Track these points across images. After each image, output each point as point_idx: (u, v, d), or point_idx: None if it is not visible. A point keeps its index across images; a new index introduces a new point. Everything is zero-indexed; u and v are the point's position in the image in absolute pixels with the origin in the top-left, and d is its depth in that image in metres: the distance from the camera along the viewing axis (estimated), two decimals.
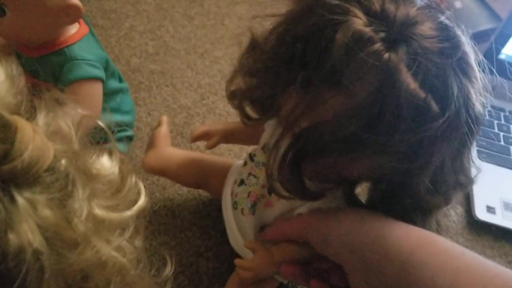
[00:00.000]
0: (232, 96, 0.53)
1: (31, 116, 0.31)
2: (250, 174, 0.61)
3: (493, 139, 0.93)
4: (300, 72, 0.42)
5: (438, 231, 0.49)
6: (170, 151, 0.74)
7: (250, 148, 0.70)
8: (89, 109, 0.61)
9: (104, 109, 0.65)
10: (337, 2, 0.41)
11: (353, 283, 0.47)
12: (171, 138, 0.84)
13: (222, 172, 0.69)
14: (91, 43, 0.66)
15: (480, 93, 0.41)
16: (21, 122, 0.28)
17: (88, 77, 0.62)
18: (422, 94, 0.38)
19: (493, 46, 0.94)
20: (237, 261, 0.56)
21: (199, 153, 0.78)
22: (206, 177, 0.71)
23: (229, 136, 0.70)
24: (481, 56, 0.43)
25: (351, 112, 0.39)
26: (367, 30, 0.39)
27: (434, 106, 0.38)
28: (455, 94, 0.39)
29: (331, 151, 0.41)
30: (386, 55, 0.38)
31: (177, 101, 0.90)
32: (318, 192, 0.48)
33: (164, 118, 0.81)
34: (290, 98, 0.44)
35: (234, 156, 0.84)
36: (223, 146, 0.84)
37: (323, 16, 0.41)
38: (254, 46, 0.49)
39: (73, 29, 0.64)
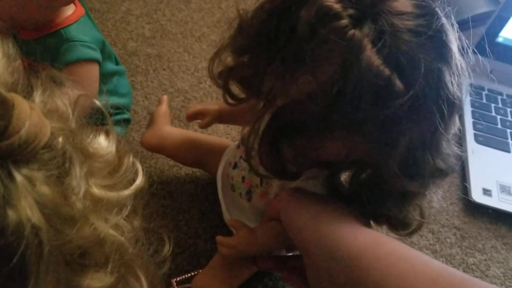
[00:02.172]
0: (218, 75, 0.52)
1: (27, 94, 0.31)
2: (241, 157, 0.61)
3: (490, 123, 0.94)
4: (277, 50, 0.42)
5: (420, 221, 0.49)
6: (168, 130, 0.74)
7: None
8: (86, 91, 0.61)
9: (101, 91, 0.65)
10: None
11: (308, 278, 0.47)
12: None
13: (219, 151, 0.70)
14: (87, 25, 0.65)
15: (456, 74, 0.40)
16: (18, 99, 0.28)
17: (85, 58, 0.61)
18: (386, 72, 0.37)
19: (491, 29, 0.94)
20: (218, 237, 0.57)
21: (196, 132, 0.78)
22: (203, 156, 0.72)
23: (224, 116, 0.70)
24: (464, 39, 0.42)
25: (316, 91, 0.38)
26: (336, 6, 0.38)
27: (398, 84, 0.37)
28: (422, 72, 0.37)
29: (303, 130, 0.42)
30: (351, 32, 0.37)
31: (174, 84, 0.90)
32: (295, 171, 0.48)
33: (165, 97, 0.81)
34: (271, 76, 0.44)
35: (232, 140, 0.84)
36: (220, 130, 0.84)
37: None
38: (241, 26, 0.49)
39: (69, 11, 0.63)
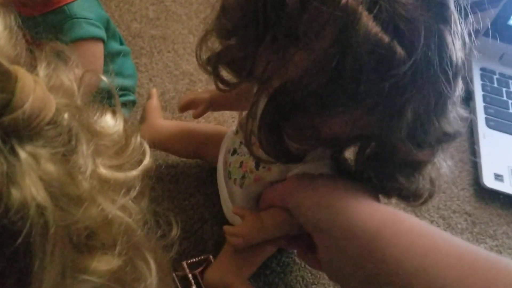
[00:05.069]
0: (206, 61, 0.50)
1: (31, 68, 0.30)
2: (241, 143, 0.60)
3: (502, 107, 0.92)
4: (267, 29, 0.40)
5: (431, 190, 0.47)
6: (161, 123, 0.73)
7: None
8: None
9: (106, 72, 0.63)
10: None
11: (320, 258, 0.46)
12: (173, 105, 0.83)
13: (216, 140, 0.68)
14: (91, 2, 0.64)
15: (457, 34, 0.38)
16: (21, 72, 0.26)
17: (89, 36, 0.60)
18: (385, 39, 0.35)
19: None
20: (226, 227, 0.56)
21: (191, 122, 0.77)
22: (200, 146, 0.70)
23: (216, 103, 0.68)
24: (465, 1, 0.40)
25: (314, 67, 0.37)
26: None
27: (399, 51, 0.35)
28: (423, 36, 0.36)
29: (304, 110, 0.40)
30: (344, 0, 0.35)
31: (179, 67, 0.88)
32: (299, 153, 0.46)
33: (154, 91, 0.79)
34: (262, 57, 0.42)
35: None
36: (214, 118, 0.83)
37: None
38: (224, 6, 0.47)
39: None
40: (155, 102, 0.77)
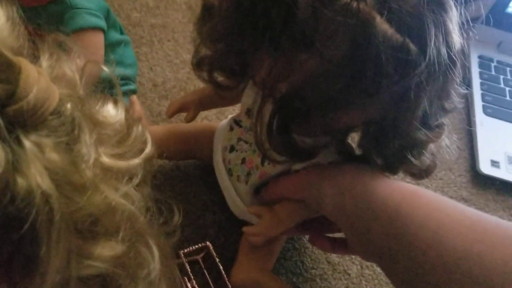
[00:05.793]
0: (199, 68, 0.50)
1: (34, 59, 0.30)
2: (240, 139, 0.60)
3: (499, 94, 0.93)
4: (265, 33, 0.40)
5: (433, 163, 0.48)
6: (148, 129, 0.72)
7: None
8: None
9: (106, 61, 0.63)
10: None
11: (350, 246, 0.48)
12: (174, 94, 0.83)
13: (206, 136, 0.68)
14: None
15: (454, 19, 0.39)
16: (25, 63, 0.27)
17: (89, 26, 0.60)
18: (400, 38, 0.36)
19: None
20: (245, 228, 0.56)
21: (177, 124, 0.76)
22: (192, 147, 0.70)
23: (205, 103, 0.67)
24: None
25: (329, 73, 0.37)
26: None
27: (414, 49, 0.36)
28: (433, 31, 0.36)
29: (316, 113, 0.40)
30: (356, 7, 0.35)
31: (179, 56, 0.89)
32: (312, 150, 0.47)
33: (134, 98, 0.77)
34: (263, 62, 0.42)
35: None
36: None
37: None
38: (209, 10, 0.46)
39: None
40: (137, 109, 0.75)
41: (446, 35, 0.38)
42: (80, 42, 0.60)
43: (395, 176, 0.48)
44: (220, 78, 0.50)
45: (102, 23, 0.62)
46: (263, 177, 0.56)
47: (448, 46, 0.38)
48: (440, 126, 0.44)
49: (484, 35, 0.98)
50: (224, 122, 0.67)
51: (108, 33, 0.66)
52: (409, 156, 0.45)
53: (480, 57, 0.97)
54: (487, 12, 0.95)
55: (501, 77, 0.96)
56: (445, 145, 0.47)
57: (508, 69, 0.97)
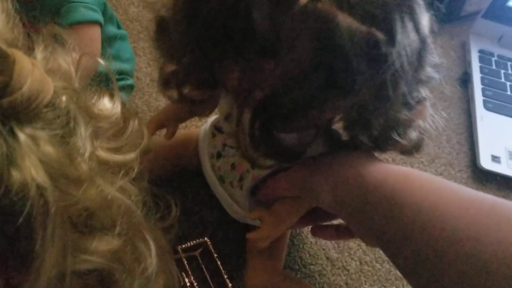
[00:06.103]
0: (168, 86, 0.48)
1: (28, 51, 0.30)
2: (225, 145, 0.59)
3: (500, 89, 0.92)
4: (227, 45, 0.38)
5: (420, 137, 0.47)
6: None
7: None
8: None
9: (103, 56, 0.63)
10: None
11: (356, 234, 0.48)
12: None
13: (189, 145, 0.67)
14: None
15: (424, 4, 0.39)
16: (19, 55, 0.27)
17: (86, 20, 0.60)
18: (365, 29, 0.35)
19: None
20: (249, 235, 0.56)
21: (155, 137, 0.71)
22: (176, 158, 0.69)
23: (182, 116, 0.64)
24: None
25: (300, 78, 0.36)
26: None
27: (381, 37, 0.35)
28: (399, 15, 0.36)
29: (295, 115, 0.40)
30: (313, 8, 0.34)
31: None
32: (299, 149, 0.46)
33: None
34: (232, 71, 0.41)
35: None
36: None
37: None
38: (162, 25, 0.44)
39: None
40: None
41: (413, 16, 0.37)
42: (76, 36, 0.58)
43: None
44: (191, 93, 0.48)
45: (99, 17, 0.62)
46: (256, 180, 0.56)
47: (417, 29, 0.38)
48: (420, 102, 0.43)
49: (485, 29, 0.97)
50: (204, 127, 0.65)
51: (105, 27, 0.66)
52: (395, 136, 0.44)
53: (480, 51, 0.97)
54: (488, 6, 0.95)
55: (502, 71, 0.95)
56: (430, 117, 0.46)
57: (509, 63, 0.97)
